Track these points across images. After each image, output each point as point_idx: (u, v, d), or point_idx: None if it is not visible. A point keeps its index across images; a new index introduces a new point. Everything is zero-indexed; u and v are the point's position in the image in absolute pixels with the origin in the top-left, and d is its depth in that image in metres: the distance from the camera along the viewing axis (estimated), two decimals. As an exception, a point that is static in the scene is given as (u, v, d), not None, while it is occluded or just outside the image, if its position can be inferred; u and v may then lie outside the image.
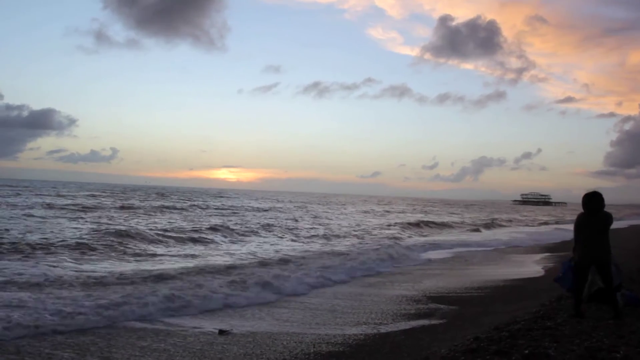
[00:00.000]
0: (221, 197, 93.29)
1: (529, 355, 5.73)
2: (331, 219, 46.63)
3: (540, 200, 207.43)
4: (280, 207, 64.42)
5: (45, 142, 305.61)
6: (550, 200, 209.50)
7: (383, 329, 9.16)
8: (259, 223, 34.86)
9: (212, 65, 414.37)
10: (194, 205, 55.89)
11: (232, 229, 28.94)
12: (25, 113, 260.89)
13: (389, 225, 40.59)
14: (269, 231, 30.47)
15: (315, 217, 48.84)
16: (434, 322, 9.65)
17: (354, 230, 34.70)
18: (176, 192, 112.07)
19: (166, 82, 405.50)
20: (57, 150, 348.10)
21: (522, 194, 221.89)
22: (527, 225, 52.69)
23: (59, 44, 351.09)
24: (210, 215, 41.36)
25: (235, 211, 50.08)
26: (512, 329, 7.20)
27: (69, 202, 48.13)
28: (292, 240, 27.01)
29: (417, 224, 42.92)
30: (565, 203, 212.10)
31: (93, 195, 66.39)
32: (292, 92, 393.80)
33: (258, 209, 56.11)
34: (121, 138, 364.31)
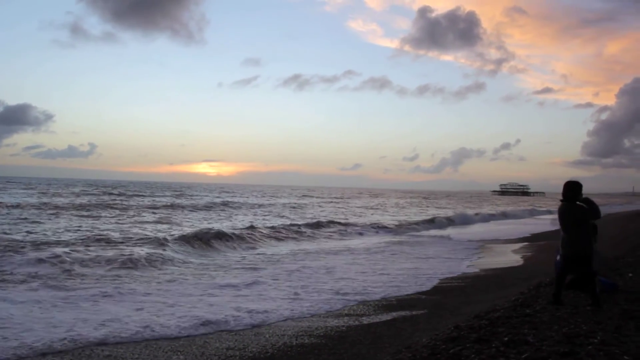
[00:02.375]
0: (225, 192, 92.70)
1: (509, 342, 5.79)
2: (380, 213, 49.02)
3: (519, 191, 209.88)
4: (306, 203, 64.95)
5: (22, 138, 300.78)
6: (529, 191, 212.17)
7: (365, 320, 9.20)
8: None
9: (191, 58, 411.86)
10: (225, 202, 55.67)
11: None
12: (0, 109, 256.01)
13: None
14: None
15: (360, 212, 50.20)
16: (415, 312, 9.72)
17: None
18: (166, 188, 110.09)
19: (144, 76, 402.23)
20: (34, 146, 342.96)
21: (501, 185, 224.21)
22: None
23: (33, 38, 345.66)
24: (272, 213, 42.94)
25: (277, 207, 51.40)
26: (492, 317, 7.27)
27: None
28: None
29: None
30: (543, 193, 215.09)
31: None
32: (272, 85, 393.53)
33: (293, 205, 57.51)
34: (99, 133, 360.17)
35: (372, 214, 48.03)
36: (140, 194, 70.27)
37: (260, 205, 53.88)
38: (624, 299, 7.87)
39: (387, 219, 40.10)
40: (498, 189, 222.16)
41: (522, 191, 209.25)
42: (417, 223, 36.54)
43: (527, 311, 7.44)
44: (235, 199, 64.17)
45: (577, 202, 7.65)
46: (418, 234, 30.27)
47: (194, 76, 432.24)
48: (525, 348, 5.52)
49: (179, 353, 7.30)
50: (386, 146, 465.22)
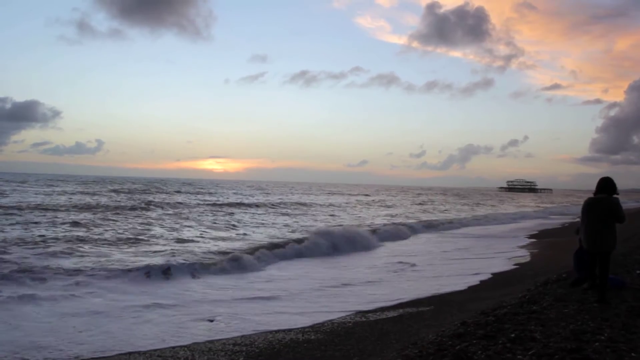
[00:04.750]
0: (260, 190, 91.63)
1: (515, 338, 5.78)
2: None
3: (526, 187, 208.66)
4: (347, 203, 62.38)
5: (30, 135, 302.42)
6: (536, 187, 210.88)
7: (372, 317, 9.20)
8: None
9: (198, 55, 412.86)
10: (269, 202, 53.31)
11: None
12: (8, 105, 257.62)
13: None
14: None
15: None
16: (421, 308, 9.71)
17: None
18: (196, 185, 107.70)
19: (151, 72, 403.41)
20: (41, 142, 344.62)
21: (507, 181, 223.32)
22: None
23: (40, 34, 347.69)
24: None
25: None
26: (499, 313, 7.26)
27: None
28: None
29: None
30: (550, 190, 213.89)
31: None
32: (279, 81, 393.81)
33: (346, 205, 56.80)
34: (106, 130, 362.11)
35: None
36: (183, 191, 68.30)
37: (328, 205, 52.98)
38: (632, 296, 7.83)
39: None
40: (505, 185, 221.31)
41: (529, 188, 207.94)
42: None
43: (534, 308, 7.42)
44: (281, 198, 63.36)
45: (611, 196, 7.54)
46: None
47: (201, 73, 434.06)
48: (532, 344, 5.51)
49: (185, 349, 7.33)
50: (393, 143, 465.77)
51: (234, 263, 14.60)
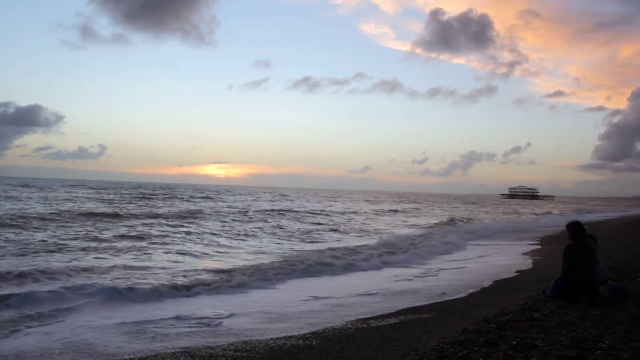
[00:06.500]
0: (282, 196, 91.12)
1: (517, 346, 5.76)
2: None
3: (528, 194, 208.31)
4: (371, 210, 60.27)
5: (32, 139, 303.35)
6: (538, 194, 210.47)
7: (373, 323, 9.19)
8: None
9: (201, 60, 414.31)
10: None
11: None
12: (11, 110, 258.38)
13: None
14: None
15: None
16: (423, 315, 9.69)
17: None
18: (189, 189, 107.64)
19: (154, 77, 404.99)
20: (44, 147, 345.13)
21: (510, 188, 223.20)
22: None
23: (43, 39, 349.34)
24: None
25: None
26: (500, 320, 7.24)
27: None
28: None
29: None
30: (552, 196, 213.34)
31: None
32: (282, 87, 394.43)
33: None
34: (109, 134, 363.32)
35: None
36: (214, 198, 67.63)
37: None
38: (634, 304, 7.81)
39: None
40: (507, 192, 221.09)
41: (531, 195, 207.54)
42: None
43: (535, 315, 7.40)
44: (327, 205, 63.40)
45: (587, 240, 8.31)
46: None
47: (204, 78, 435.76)
48: (533, 352, 5.50)
49: (186, 354, 7.32)
50: (395, 149, 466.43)
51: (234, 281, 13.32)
